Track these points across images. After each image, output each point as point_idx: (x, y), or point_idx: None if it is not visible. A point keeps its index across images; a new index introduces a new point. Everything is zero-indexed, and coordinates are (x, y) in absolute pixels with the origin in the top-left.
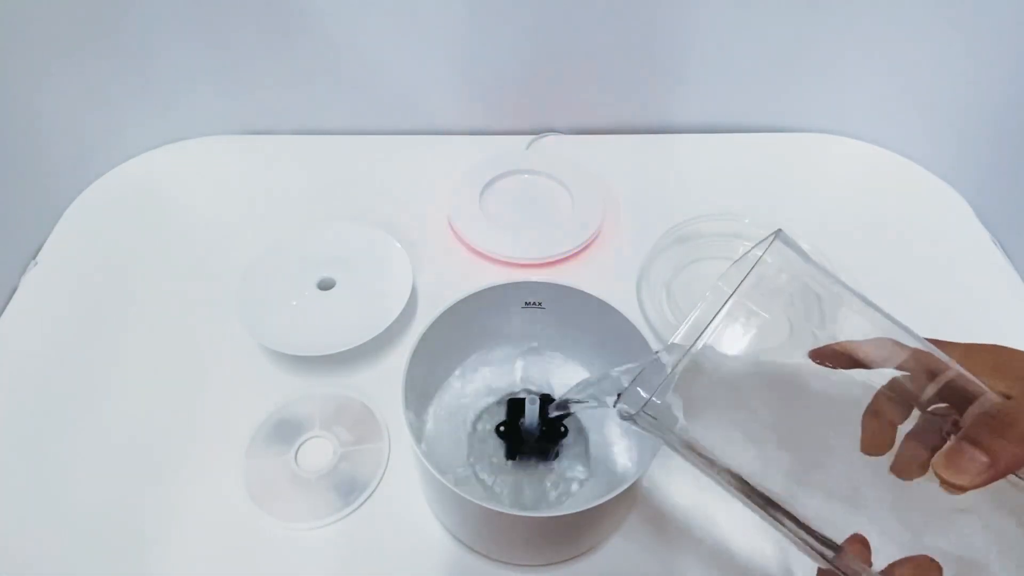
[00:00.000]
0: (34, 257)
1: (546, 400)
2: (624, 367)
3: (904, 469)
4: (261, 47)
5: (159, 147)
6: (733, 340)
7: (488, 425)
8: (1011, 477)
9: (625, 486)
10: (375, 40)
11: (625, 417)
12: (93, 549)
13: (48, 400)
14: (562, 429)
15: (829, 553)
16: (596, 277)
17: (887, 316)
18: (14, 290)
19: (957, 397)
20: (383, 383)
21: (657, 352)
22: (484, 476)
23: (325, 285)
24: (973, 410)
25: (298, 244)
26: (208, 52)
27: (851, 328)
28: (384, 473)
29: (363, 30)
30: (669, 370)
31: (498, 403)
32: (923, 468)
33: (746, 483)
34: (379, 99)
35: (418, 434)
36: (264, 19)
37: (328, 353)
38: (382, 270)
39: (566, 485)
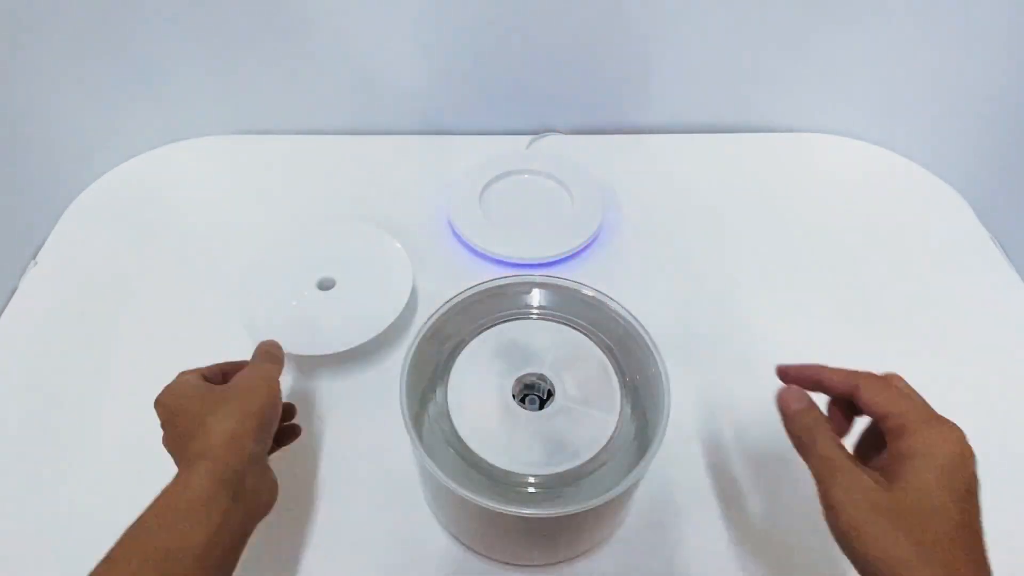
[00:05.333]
0: (34, 257)
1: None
2: None
3: None
4: (261, 47)
5: (159, 147)
6: None
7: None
8: None
9: (625, 486)
10: (375, 41)
11: None
12: (90, 548)
13: (48, 400)
14: None
15: None
16: (596, 277)
17: None
18: (14, 290)
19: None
20: (383, 382)
21: None
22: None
23: (325, 285)
24: None
25: (298, 244)
26: (208, 52)
27: None
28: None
29: (363, 30)
30: None
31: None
32: None
33: None
34: (379, 99)
35: (418, 434)
36: (264, 20)
37: (328, 353)
38: (382, 270)
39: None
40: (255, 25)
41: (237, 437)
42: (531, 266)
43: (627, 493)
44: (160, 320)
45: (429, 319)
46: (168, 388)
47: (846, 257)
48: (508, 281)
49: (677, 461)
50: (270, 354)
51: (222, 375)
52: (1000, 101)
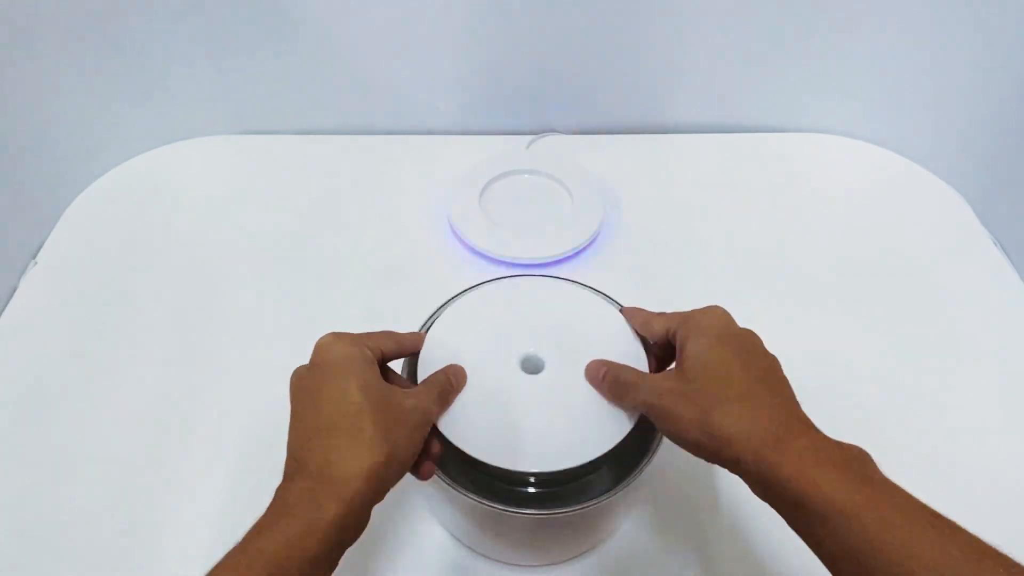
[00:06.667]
0: (34, 257)
1: None
2: None
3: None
4: (261, 48)
5: (159, 147)
6: None
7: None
8: None
9: (626, 485)
10: (375, 40)
11: None
12: (90, 549)
13: (48, 400)
14: None
15: None
16: (596, 277)
17: None
18: (14, 290)
19: None
20: None
21: None
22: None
23: (531, 367)
24: None
25: (492, 301)
26: (208, 53)
27: None
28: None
29: (363, 30)
30: None
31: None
32: None
33: None
34: (379, 99)
35: None
36: (264, 20)
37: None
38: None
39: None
40: (255, 25)
41: (375, 478)
42: (531, 266)
43: (628, 493)
44: (160, 320)
45: (428, 320)
46: (338, 353)
47: (846, 257)
48: (508, 281)
49: (677, 461)
50: (443, 389)
51: (394, 353)
52: (1000, 101)
